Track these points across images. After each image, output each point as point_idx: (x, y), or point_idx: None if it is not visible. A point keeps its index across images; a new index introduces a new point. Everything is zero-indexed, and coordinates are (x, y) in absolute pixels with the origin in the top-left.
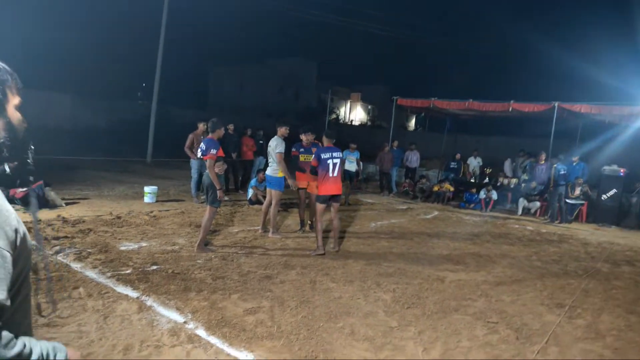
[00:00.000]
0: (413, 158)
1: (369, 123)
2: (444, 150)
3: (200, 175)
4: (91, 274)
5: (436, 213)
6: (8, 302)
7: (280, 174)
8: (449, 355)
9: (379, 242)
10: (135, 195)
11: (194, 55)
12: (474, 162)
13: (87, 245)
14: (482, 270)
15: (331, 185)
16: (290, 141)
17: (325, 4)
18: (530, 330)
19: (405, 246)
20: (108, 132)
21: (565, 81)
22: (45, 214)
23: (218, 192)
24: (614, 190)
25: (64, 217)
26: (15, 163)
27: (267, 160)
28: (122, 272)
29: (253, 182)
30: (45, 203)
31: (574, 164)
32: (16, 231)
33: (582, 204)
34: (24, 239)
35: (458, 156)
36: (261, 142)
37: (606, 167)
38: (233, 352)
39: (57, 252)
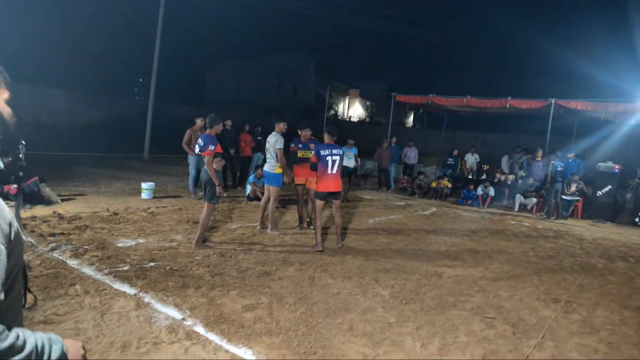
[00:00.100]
0: (411, 154)
1: (367, 119)
2: (441, 146)
3: (198, 171)
4: (88, 270)
5: (434, 209)
6: (2, 296)
7: (278, 170)
8: (447, 351)
9: (377, 238)
10: (133, 191)
11: (191, 51)
12: (471, 159)
13: (83, 242)
14: (480, 266)
15: (330, 182)
16: (288, 137)
17: (325, 1)
18: (527, 325)
19: (404, 242)
20: (105, 128)
21: (562, 78)
22: (40, 211)
23: (217, 188)
24: (609, 187)
25: (59, 214)
26: (10, 158)
27: (265, 157)
28: (120, 269)
29: (251, 178)
30: (40, 199)
31: (570, 160)
32: (10, 225)
33: (577, 200)
34: (17, 233)
35: (455, 152)
36: (259, 138)
37: (601, 164)
38: (232, 348)
39: (53, 249)
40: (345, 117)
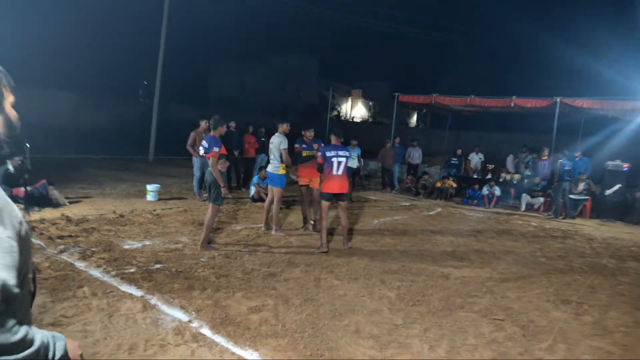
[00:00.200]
0: (415, 154)
1: (370, 120)
2: (446, 146)
3: (203, 172)
4: (95, 272)
5: (439, 209)
6: (18, 290)
7: (282, 171)
8: (455, 353)
9: (382, 239)
10: (138, 193)
11: (195, 53)
12: (476, 158)
13: (91, 244)
14: (487, 266)
15: (335, 183)
16: (292, 138)
17: (327, 1)
18: (537, 327)
19: (409, 243)
20: (110, 130)
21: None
22: (49, 213)
23: (222, 189)
24: (618, 186)
25: (67, 216)
26: (19, 162)
27: (268, 158)
28: (126, 271)
29: (255, 179)
30: (49, 202)
31: (577, 159)
32: (21, 224)
33: (585, 200)
34: (27, 234)
35: (459, 152)
36: (263, 139)
37: (609, 162)
38: (238, 350)
39: (61, 251)
40: (348, 117)
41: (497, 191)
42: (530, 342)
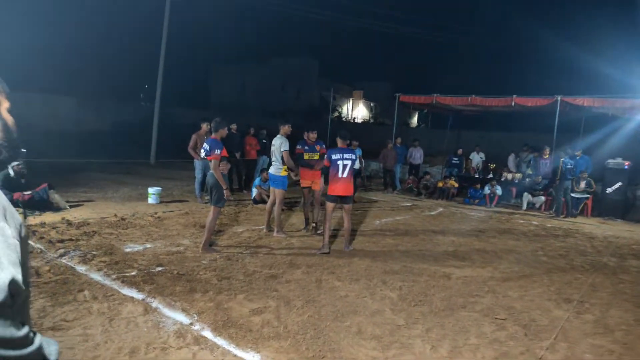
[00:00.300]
0: (416, 155)
1: (371, 120)
2: (447, 146)
3: (204, 175)
4: (96, 276)
5: (441, 209)
6: (24, 287)
7: (284, 173)
8: (458, 353)
9: (384, 240)
10: (140, 196)
11: (196, 56)
12: (477, 158)
13: (91, 247)
14: (489, 266)
15: (340, 185)
16: (293, 139)
17: (327, 2)
18: (539, 326)
19: (411, 243)
20: (112, 134)
21: (568, 75)
22: (49, 217)
23: (225, 191)
24: (619, 184)
25: (68, 220)
26: (20, 166)
27: (270, 159)
28: (127, 274)
29: (257, 181)
30: (49, 206)
31: (577, 157)
32: (21, 226)
33: (587, 198)
34: (25, 238)
35: (460, 151)
36: (264, 141)
37: (610, 161)
38: (240, 353)
39: (62, 255)
40: (350, 118)
41: (499, 190)
42: (532, 341)
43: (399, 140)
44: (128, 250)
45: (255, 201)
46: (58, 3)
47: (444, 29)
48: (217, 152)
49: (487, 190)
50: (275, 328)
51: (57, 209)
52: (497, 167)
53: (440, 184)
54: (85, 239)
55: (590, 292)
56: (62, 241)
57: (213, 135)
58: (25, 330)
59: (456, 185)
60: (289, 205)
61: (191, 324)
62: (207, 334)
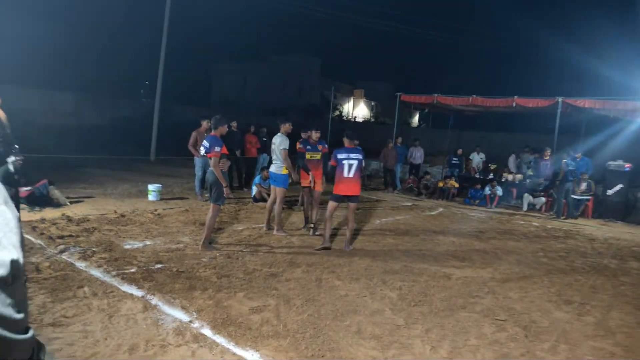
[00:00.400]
0: (417, 154)
1: (372, 119)
2: (448, 146)
3: (205, 172)
4: (96, 272)
5: (441, 209)
6: (21, 256)
7: (285, 171)
8: (457, 354)
9: (384, 239)
10: (140, 193)
11: (196, 53)
12: (477, 158)
13: (91, 244)
14: (489, 266)
15: (345, 185)
16: (293, 138)
17: (329, 1)
18: (539, 328)
19: (411, 243)
20: (111, 130)
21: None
22: (49, 213)
23: (224, 189)
24: (620, 186)
25: (68, 216)
26: (20, 161)
27: (270, 158)
28: (127, 271)
29: (257, 179)
30: (49, 202)
31: (578, 160)
32: (19, 219)
33: (587, 200)
34: (21, 232)
35: (460, 152)
36: (264, 139)
37: (611, 162)
38: (239, 351)
39: (61, 251)
40: (350, 117)
41: (499, 191)
42: (532, 342)
43: (399, 139)
44: (128, 247)
45: (255, 199)
46: None
47: (446, 28)
48: (217, 149)
49: (487, 190)
50: (275, 327)
51: (57, 205)
52: (498, 168)
53: (440, 184)
54: (85, 236)
55: (591, 294)
56: (62, 237)
57: (213, 133)
58: (21, 315)
59: (457, 185)
60: (289, 203)
61: (190, 321)
62: (206, 331)
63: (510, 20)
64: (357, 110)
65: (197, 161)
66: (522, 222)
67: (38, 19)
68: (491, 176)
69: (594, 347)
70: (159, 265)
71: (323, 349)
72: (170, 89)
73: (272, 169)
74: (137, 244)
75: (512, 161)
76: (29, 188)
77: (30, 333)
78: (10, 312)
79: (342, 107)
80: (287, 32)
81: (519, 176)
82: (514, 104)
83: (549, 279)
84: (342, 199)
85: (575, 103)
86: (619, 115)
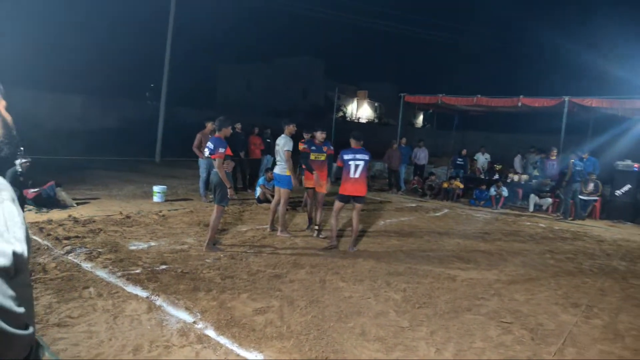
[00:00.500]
0: (421, 155)
1: (376, 120)
2: (452, 147)
3: (209, 174)
4: (101, 273)
5: (446, 210)
6: (26, 250)
7: (289, 173)
8: (462, 356)
9: (388, 241)
10: (145, 194)
11: (201, 55)
12: (482, 159)
13: (97, 244)
14: (494, 268)
15: (351, 186)
16: (297, 139)
17: (332, 2)
18: (546, 331)
19: (415, 244)
20: (117, 132)
21: (576, 75)
22: (56, 214)
23: (228, 190)
24: (628, 186)
25: (74, 217)
26: (27, 163)
27: (274, 159)
28: (132, 272)
29: (261, 180)
30: (56, 203)
31: (584, 160)
32: (24, 219)
33: (595, 200)
34: (27, 230)
35: (464, 152)
36: (268, 140)
37: (619, 162)
38: (243, 352)
39: (68, 252)
40: (354, 118)
41: (505, 192)
42: (539, 345)
43: (403, 140)
44: (133, 248)
45: (259, 200)
46: (66, 2)
47: (450, 29)
48: (221, 150)
49: (492, 191)
50: (278, 328)
51: (64, 206)
52: (503, 168)
53: (445, 185)
54: (91, 237)
55: (599, 296)
56: (68, 238)
57: (217, 134)
58: (22, 309)
59: (461, 186)
60: (293, 205)
61: (194, 322)
62: (210, 332)
63: (516, 19)
64: (361, 111)
65: (202, 163)
66: (529, 223)
67: (46, 23)
68: (496, 177)
69: (601, 350)
70: (163, 266)
71: (327, 351)
72: (175, 91)
73: (276, 170)
74: (142, 245)
75: (517, 161)
76: (36, 190)
77: (30, 330)
78: (11, 305)
79: (346, 109)
80: (290, 34)
81: (524, 177)
82: (520, 104)
83: (556, 281)
84: (347, 199)
85: (582, 102)
86: (627, 114)
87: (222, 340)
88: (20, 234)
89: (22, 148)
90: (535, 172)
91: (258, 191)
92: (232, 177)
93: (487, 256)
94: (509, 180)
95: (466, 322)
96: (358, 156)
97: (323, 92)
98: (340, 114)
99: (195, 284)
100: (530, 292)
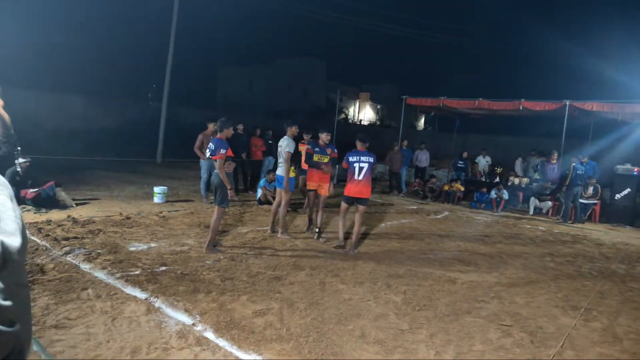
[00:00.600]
0: (423, 157)
1: (378, 123)
2: (453, 149)
3: (210, 175)
4: (100, 274)
5: (447, 213)
6: (19, 256)
7: (291, 174)
8: (462, 359)
9: (389, 243)
10: (145, 195)
11: (203, 56)
12: (483, 161)
13: (96, 245)
14: (494, 271)
15: (355, 187)
16: (299, 140)
17: (334, 3)
18: (545, 334)
19: (416, 247)
20: (119, 132)
21: (577, 79)
22: (55, 215)
23: (229, 191)
24: (628, 190)
25: (74, 218)
26: (27, 162)
27: (276, 161)
28: (131, 273)
29: (262, 182)
30: (56, 203)
31: (584, 163)
32: (21, 218)
33: (595, 204)
34: (24, 229)
35: (465, 155)
36: (270, 142)
37: (619, 166)
38: (242, 354)
39: (66, 253)
40: (356, 120)
41: (505, 195)
42: (539, 348)
43: (405, 142)
44: (132, 249)
45: (260, 202)
46: (67, 2)
47: (452, 31)
48: (222, 151)
49: (493, 194)
50: (278, 330)
51: (63, 206)
52: (504, 171)
53: (446, 188)
54: (90, 237)
55: (598, 299)
56: (67, 239)
57: (218, 135)
58: (8, 303)
59: (462, 188)
60: (294, 206)
61: (193, 324)
62: (209, 334)
63: (518, 23)
64: (363, 113)
65: (203, 164)
66: (529, 226)
67: (46, 23)
68: (497, 180)
69: (600, 353)
70: (163, 268)
71: (326, 353)
72: (177, 92)
73: (279, 171)
74: (142, 246)
75: (518, 164)
76: (35, 190)
77: (15, 328)
78: None
79: (348, 110)
80: (292, 35)
81: (525, 180)
82: (521, 107)
83: (556, 284)
84: (351, 200)
85: (583, 106)
86: (627, 118)
87: (222, 342)
88: (12, 227)
89: (19, 147)
90: (536, 176)
91: (259, 193)
92: (233, 179)
93: (488, 259)
94: (509, 183)
95: (466, 324)
96: (362, 158)
97: (324, 93)
98: (342, 116)
99: (194, 285)
100: (530, 295)
